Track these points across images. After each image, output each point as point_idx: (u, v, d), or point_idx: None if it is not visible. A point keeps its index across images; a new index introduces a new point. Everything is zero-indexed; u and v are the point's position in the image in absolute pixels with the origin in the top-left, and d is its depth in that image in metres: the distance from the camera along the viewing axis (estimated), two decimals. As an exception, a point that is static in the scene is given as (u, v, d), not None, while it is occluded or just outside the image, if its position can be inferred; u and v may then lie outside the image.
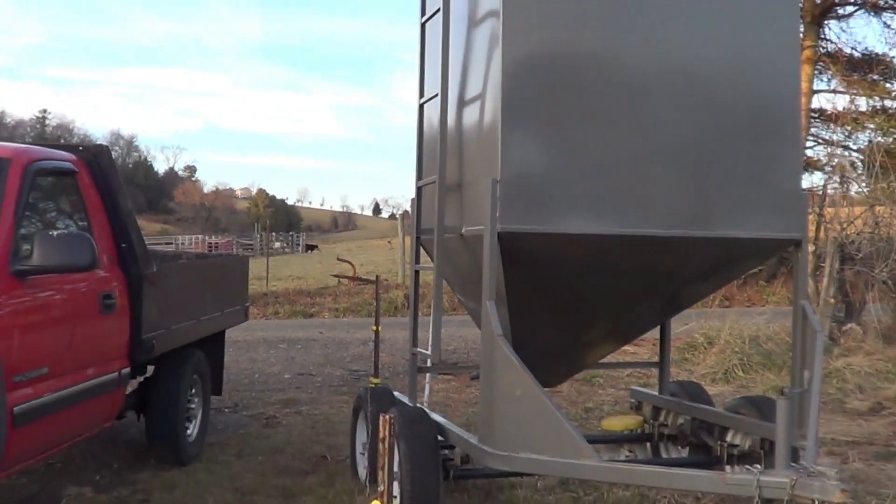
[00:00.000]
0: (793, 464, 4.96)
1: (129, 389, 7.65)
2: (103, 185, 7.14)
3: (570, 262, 6.15)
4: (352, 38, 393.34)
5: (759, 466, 5.12)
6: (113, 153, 8.80)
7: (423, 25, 7.48)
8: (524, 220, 5.81)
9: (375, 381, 9.85)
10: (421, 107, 7.52)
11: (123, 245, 7.15)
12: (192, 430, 8.55)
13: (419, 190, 7.46)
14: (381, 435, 4.44)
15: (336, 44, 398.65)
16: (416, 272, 7.61)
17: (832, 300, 15.24)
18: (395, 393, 7.69)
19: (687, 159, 6.20)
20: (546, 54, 6.03)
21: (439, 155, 6.63)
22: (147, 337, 7.27)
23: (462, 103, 6.69)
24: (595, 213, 5.99)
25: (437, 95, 6.77)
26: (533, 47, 6.01)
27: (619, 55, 6.13)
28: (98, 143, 8.85)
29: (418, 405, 7.39)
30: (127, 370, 7.19)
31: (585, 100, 6.04)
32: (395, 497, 6.07)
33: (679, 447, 7.59)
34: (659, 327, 7.93)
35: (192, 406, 8.60)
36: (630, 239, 6.03)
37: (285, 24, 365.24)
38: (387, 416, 4.49)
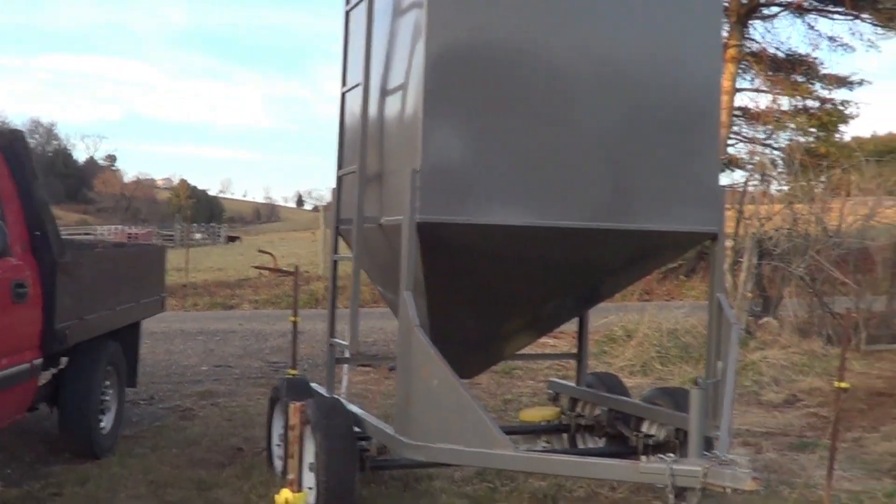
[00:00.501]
0: (706, 453, 5.02)
1: (42, 381, 7.50)
2: (18, 172, 7.00)
3: (489, 252, 6.16)
4: (280, 28, 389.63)
5: (672, 455, 5.18)
6: (32, 141, 8.64)
7: (347, 14, 7.43)
8: (443, 211, 5.82)
9: (293, 372, 9.80)
10: (343, 96, 7.50)
11: (37, 233, 7.02)
12: (106, 422, 8.39)
13: (339, 179, 7.43)
14: (290, 422, 4.41)
15: (264, 33, 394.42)
16: (335, 262, 7.58)
17: (750, 294, 15.49)
18: (313, 384, 7.64)
19: (608, 152, 6.25)
20: (470, 46, 6.04)
21: (360, 144, 6.62)
22: (60, 327, 7.13)
23: (384, 93, 6.67)
24: (515, 205, 6.01)
25: (359, 84, 6.74)
26: (457, 38, 6.01)
27: (543, 48, 6.15)
28: (13, 128, 8.64)
29: (335, 396, 7.36)
30: (39, 361, 7.06)
31: (508, 92, 6.05)
32: (312, 489, 6.05)
33: (596, 438, 7.67)
34: (577, 319, 8.00)
35: (107, 398, 8.44)
36: (550, 230, 6.05)
37: (212, 12, 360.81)
38: (297, 404, 4.45)
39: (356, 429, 6.47)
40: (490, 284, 6.53)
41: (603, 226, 6.18)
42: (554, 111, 6.14)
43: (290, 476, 4.58)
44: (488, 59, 6.05)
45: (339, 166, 7.46)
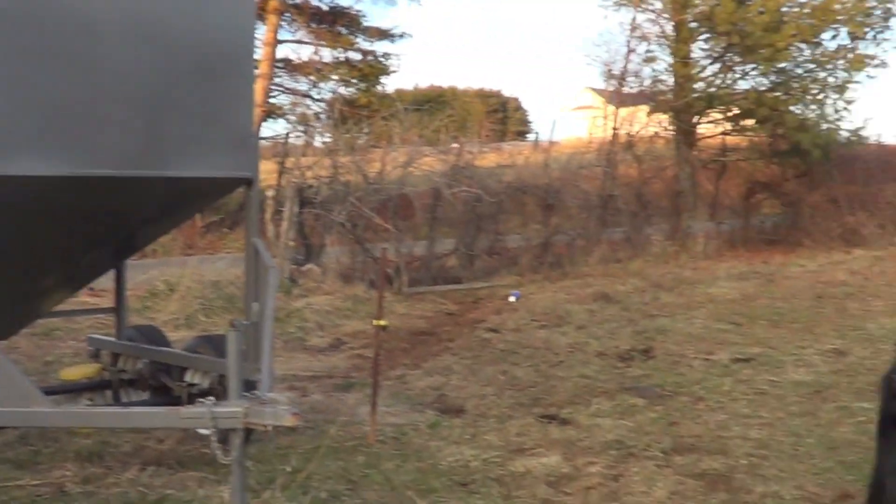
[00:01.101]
0: (245, 394, 5.10)
1: None
2: None
3: (15, 206, 5.83)
4: None
5: (212, 399, 5.22)
6: None
7: None
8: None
9: None
10: None
11: None
12: None
13: None
14: None
15: None
16: None
17: (292, 243, 15.78)
18: None
19: (137, 98, 6.08)
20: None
21: None
22: None
23: None
24: (41, 154, 5.70)
25: None
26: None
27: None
28: None
29: None
30: None
31: (28, 36, 5.72)
32: None
33: (140, 391, 7.58)
34: (115, 273, 7.83)
35: None
36: (78, 180, 5.82)
37: None
38: None
39: None
40: (19, 239, 6.18)
41: (133, 173, 6.03)
42: (79, 58, 5.87)
43: None
44: (8, 5, 5.69)
45: None
